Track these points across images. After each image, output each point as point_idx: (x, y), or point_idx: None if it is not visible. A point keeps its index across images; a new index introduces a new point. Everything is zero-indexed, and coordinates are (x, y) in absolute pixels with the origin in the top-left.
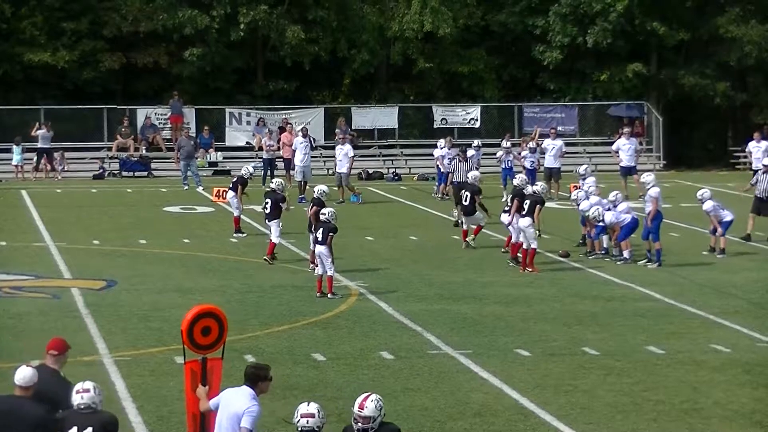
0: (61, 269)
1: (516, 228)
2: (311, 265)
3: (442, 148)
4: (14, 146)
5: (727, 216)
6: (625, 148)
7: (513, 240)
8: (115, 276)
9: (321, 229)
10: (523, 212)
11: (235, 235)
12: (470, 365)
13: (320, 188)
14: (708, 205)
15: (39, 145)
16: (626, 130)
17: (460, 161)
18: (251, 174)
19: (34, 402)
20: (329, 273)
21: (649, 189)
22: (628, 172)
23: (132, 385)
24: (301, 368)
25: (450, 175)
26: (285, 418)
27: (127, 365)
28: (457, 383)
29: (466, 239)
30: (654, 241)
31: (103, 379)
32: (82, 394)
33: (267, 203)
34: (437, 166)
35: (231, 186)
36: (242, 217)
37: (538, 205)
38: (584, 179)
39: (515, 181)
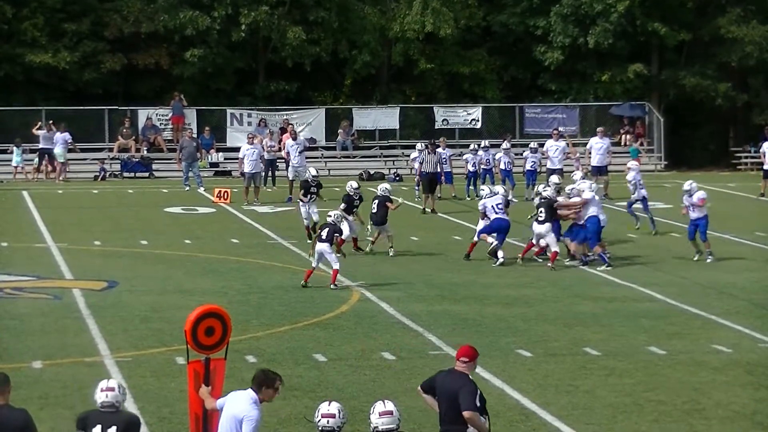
0: (62, 270)
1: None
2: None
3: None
4: (14, 147)
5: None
6: (597, 146)
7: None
8: (116, 277)
9: (326, 229)
10: (541, 219)
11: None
12: None
13: (383, 186)
14: (701, 194)
15: (40, 145)
16: (600, 129)
17: (429, 153)
18: (314, 177)
19: (12, 407)
20: (335, 266)
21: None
22: (599, 171)
23: (133, 386)
24: (302, 369)
25: (420, 166)
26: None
27: (128, 366)
28: None
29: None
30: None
31: (104, 380)
32: (106, 393)
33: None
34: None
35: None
36: (242, 217)
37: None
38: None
39: (546, 193)
